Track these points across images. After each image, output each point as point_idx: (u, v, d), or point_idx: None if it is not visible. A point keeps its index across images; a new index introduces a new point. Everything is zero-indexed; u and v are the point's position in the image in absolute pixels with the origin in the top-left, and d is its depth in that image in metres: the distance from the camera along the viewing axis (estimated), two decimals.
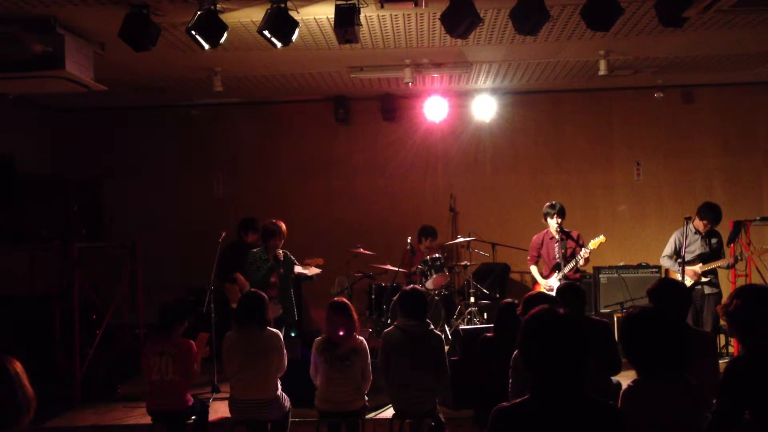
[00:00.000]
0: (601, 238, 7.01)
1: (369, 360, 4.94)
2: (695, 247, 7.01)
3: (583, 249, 6.98)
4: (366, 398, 4.96)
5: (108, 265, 8.30)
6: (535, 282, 7.49)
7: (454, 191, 9.53)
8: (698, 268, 6.90)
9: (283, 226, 6.46)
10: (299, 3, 5.43)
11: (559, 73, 8.30)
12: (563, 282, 5.15)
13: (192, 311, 5.24)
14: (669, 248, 7.24)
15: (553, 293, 6.85)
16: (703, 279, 6.90)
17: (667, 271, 7.27)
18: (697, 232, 7.01)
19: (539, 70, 8.13)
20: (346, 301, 4.96)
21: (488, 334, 4.84)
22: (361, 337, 4.94)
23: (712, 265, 6.93)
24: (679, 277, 6.83)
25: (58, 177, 8.21)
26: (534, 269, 7.40)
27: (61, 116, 9.73)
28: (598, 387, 4.01)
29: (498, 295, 8.27)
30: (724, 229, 7.36)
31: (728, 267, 7.15)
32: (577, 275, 7.24)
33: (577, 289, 4.79)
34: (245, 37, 6.30)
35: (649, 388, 2.88)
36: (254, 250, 6.58)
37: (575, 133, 9.58)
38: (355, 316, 4.92)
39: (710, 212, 6.98)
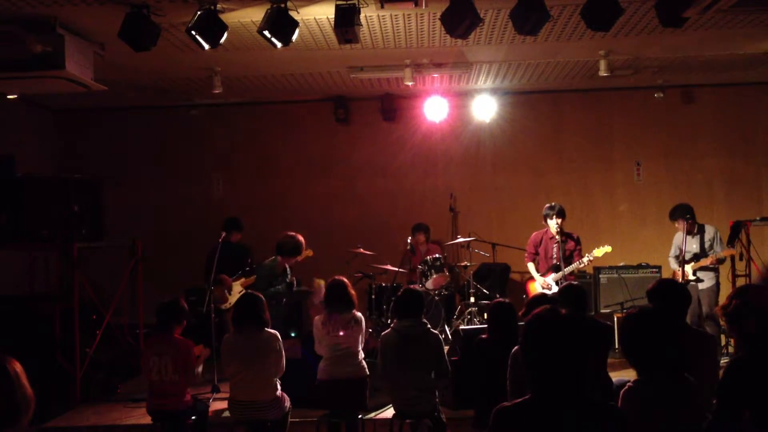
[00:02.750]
0: (608, 249, 7.02)
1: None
2: (690, 247, 7.28)
3: (586, 256, 6.99)
4: (367, 372, 5.17)
5: (108, 265, 8.30)
6: (529, 278, 7.50)
7: (454, 191, 9.52)
8: (690, 267, 7.11)
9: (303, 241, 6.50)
10: (299, 3, 5.43)
11: (559, 73, 8.30)
12: (564, 283, 5.16)
13: (189, 310, 5.21)
14: (672, 249, 7.54)
15: (550, 291, 6.91)
16: (690, 277, 7.08)
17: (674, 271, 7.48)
18: (688, 232, 7.18)
19: (539, 70, 8.13)
20: (344, 279, 5.28)
21: (483, 336, 4.86)
22: (358, 312, 5.24)
23: (698, 265, 7.19)
24: (687, 275, 7.09)
25: (58, 177, 8.20)
26: (531, 266, 7.41)
27: (61, 116, 9.73)
28: (599, 388, 4.00)
29: (498, 295, 8.27)
30: (725, 227, 7.41)
31: (718, 263, 7.26)
32: (572, 276, 7.26)
33: (578, 289, 4.79)
34: (245, 37, 6.30)
35: (649, 388, 2.88)
36: (266, 262, 6.57)
37: (575, 133, 9.57)
38: (353, 291, 5.26)
39: (675, 211, 7.29)
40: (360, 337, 5.20)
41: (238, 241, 7.82)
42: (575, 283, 5.55)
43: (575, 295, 4.67)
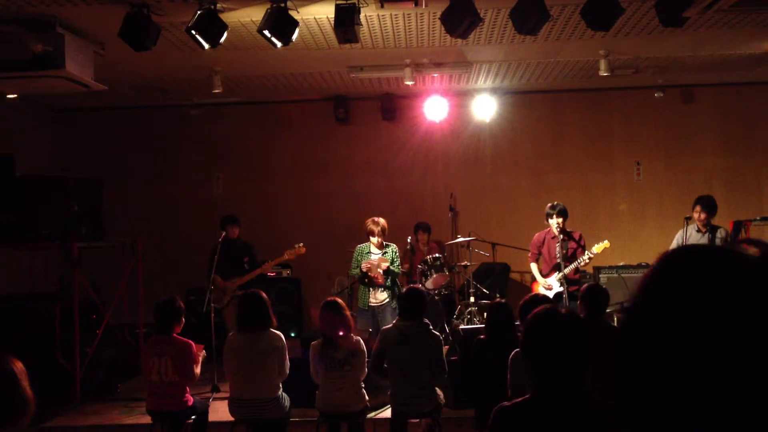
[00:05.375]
0: (605, 243, 6.98)
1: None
2: None
3: (586, 252, 6.96)
4: (367, 398, 4.97)
5: (108, 265, 8.30)
6: (533, 280, 7.49)
7: (454, 191, 9.52)
8: None
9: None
10: (299, 3, 5.42)
11: (559, 73, 8.30)
12: (589, 284, 5.13)
13: (185, 308, 5.20)
14: (673, 246, 7.29)
15: (552, 292, 6.91)
16: None
17: None
18: (698, 230, 7.04)
19: (539, 70, 8.12)
20: (338, 300, 5.00)
21: (481, 336, 4.87)
22: (357, 337, 4.96)
23: None
24: None
25: (58, 177, 8.20)
26: (534, 267, 7.38)
27: (61, 116, 9.73)
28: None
29: (498, 295, 8.27)
30: (725, 227, 7.38)
31: None
32: (577, 275, 7.24)
33: (602, 291, 4.76)
34: (245, 37, 6.30)
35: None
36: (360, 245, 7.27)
37: (575, 133, 9.57)
38: (348, 313, 4.95)
39: (702, 199, 7.05)
40: (361, 366, 4.87)
41: (237, 237, 7.76)
42: (600, 285, 5.50)
43: (598, 296, 4.65)
